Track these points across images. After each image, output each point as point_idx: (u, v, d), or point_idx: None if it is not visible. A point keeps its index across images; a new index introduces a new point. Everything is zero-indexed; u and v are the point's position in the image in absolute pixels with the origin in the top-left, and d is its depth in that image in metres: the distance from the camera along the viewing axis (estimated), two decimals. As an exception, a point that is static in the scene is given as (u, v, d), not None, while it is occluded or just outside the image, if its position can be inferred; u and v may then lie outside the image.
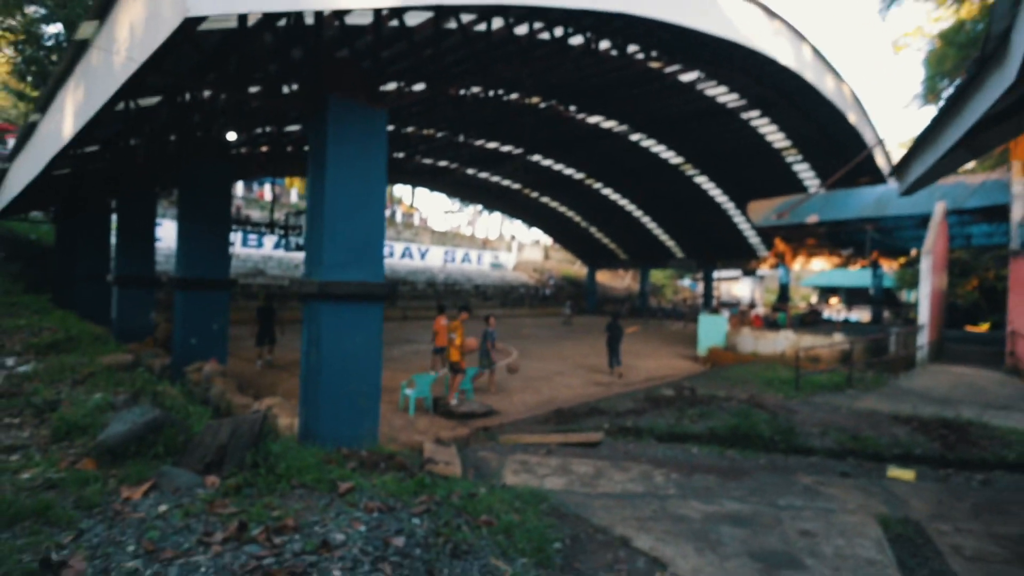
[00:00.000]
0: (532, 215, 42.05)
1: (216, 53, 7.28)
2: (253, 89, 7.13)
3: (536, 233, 55.75)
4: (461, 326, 9.30)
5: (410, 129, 22.73)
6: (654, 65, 16.71)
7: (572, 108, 20.98)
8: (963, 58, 23.53)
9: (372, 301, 6.52)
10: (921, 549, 3.76)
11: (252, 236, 31.37)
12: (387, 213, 47.04)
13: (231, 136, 11.61)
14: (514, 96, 18.50)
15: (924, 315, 11.61)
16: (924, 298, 11.65)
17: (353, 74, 6.50)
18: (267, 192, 37.66)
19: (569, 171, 31.00)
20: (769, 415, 8.08)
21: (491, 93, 17.13)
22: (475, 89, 16.99)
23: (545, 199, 37.51)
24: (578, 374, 13.02)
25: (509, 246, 53.91)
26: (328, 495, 3.26)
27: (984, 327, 26.34)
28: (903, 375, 10.69)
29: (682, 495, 4.84)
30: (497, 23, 9.92)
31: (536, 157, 28.86)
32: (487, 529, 3.28)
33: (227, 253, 11.76)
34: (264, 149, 20.35)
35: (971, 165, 26.66)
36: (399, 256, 40.10)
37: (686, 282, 53.06)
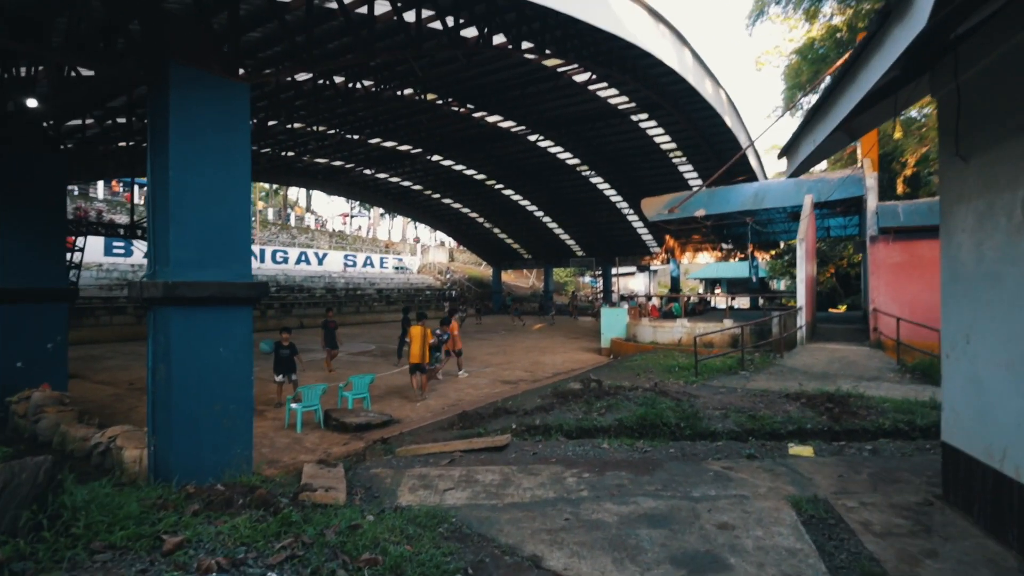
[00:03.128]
0: (435, 217, 41.16)
1: None
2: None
3: (441, 235, 54.84)
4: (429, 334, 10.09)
5: (298, 125, 21.08)
6: (548, 63, 16.76)
7: (470, 107, 20.52)
8: (815, 71, 26.32)
9: (236, 305, 5.54)
10: (834, 530, 3.68)
11: (119, 243, 27.56)
12: (281, 217, 43.81)
13: (76, 122, 9.74)
14: (408, 92, 17.71)
15: (801, 298, 12.56)
16: (801, 283, 12.58)
17: (203, 39, 5.49)
18: (137, 194, 33.37)
19: (470, 172, 30.57)
20: (673, 402, 8.09)
21: (384, 87, 16.19)
22: (367, 83, 15.97)
23: (448, 200, 36.82)
24: (484, 374, 12.55)
25: (413, 249, 52.48)
26: (147, 557, 2.44)
27: (842, 308, 29.59)
28: (786, 354, 11.41)
29: (596, 497, 4.48)
30: (382, 7, 9.19)
31: (436, 157, 28.10)
32: (370, 571, 2.64)
33: (63, 259, 9.89)
34: (123, 144, 17.78)
35: (823, 166, 30.07)
36: (294, 262, 37.36)
37: (587, 279, 54.83)
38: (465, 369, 12.48)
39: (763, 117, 53.01)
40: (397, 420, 8.21)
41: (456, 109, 20.26)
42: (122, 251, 28.69)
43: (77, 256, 14.36)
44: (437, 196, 36.07)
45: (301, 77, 14.82)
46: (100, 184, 33.11)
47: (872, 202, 12.32)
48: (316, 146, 24.95)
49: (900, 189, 23.31)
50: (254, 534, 2.82)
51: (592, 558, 3.31)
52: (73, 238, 15.18)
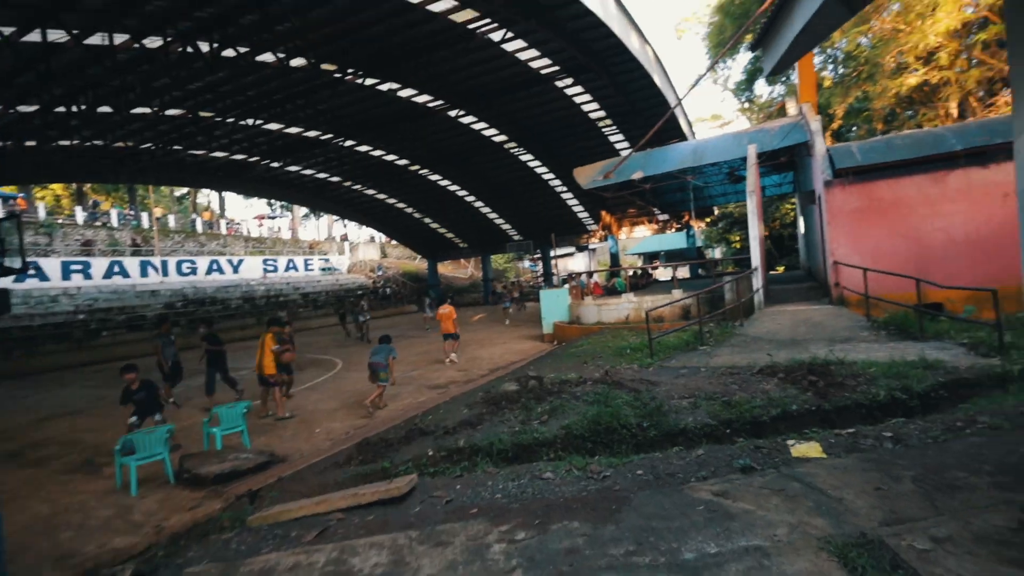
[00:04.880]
0: (361, 211, 38.35)
1: None
2: None
3: (371, 231, 51.78)
4: (272, 340, 8.46)
5: (174, 112, 18.10)
6: (458, 17, 14.83)
7: (374, 79, 18.23)
8: (738, 26, 25.75)
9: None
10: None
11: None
12: (183, 222, 39.45)
13: None
14: (299, 62, 15.27)
15: (756, 258, 11.42)
16: (754, 240, 11.46)
17: None
18: (-6, 210, 28.58)
19: (391, 157, 28.15)
20: (630, 394, 6.56)
21: (256, 53, 13.67)
22: (241, 49, 13.47)
23: (371, 191, 34.15)
24: (411, 378, 10.65)
25: (341, 248, 49.21)
26: None
27: (780, 270, 29.62)
28: (746, 322, 10.24)
29: (535, 579, 2.79)
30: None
31: (349, 143, 25.48)
32: None
33: None
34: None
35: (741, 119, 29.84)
36: (204, 272, 33.59)
37: (526, 264, 53.59)
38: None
39: (688, 88, 53.13)
40: (280, 459, 6.22)
41: (359, 82, 17.94)
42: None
43: None
44: (359, 187, 33.36)
45: (151, 43, 12.20)
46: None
47: (820, 145, 11.31)
48: (205, 138, 21.86)
49: (828, 143, 23.13)
50: None
51: None
52: None
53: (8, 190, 32.03)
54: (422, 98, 20.95)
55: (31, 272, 25.30)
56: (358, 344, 17.84)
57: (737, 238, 35.33)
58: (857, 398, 6.02)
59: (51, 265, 26.22)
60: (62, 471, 6.53)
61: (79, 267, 27.33)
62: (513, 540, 3.28)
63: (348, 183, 32.46)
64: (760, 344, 8.65)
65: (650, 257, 43.83)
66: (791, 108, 18.28)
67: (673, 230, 36.07)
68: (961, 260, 9.68)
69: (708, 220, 35.21)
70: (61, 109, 14.28)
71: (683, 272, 29.23)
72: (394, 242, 48.58)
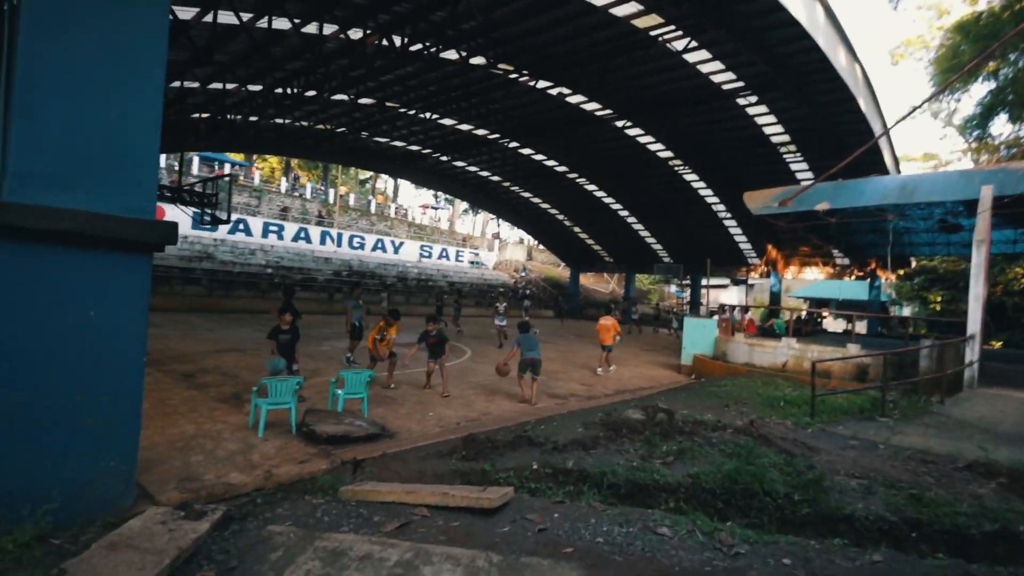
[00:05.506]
0: (514, 212, 39.45)
1: None
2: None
3: (521, 233, 53.24)
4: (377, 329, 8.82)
5: (367, 100, 20.06)
6: (640, 23, 14.21)
7: (546, 83, 18.33)
8: (982, 49, 21.39)
9: (120, 251, 3.78)
10: None
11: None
12: (360, 203, 44.22)
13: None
14: (479, 61, 15.89)
15: (975, 322, 9.04)
16: (975, 300, 9.09)
17: None
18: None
19: (551, 162, 28.42)
20: (781, 456, 5.43)
21: (441, 48, 14.37)
22: (428, 43, 14.33)
23: (527, 194, 34.90)
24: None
25: (491, 245, 51.28)
26: None
27: (996, 344, 24.05)
28: (948, 401, 8.14)
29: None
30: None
31: (514, 144, 26.22)
32: None
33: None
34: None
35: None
36: (371, 248, 37.15)
37: (672, 288, 50.82)
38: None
39: (900, 117, 46.13)
40: (390, 434, 6.22)
41: (532, 84, 18.17)
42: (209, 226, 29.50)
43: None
44: (516, 189, 34.26)
45: (354, 34, 13.48)
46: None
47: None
48: (389, 127, 23.99)
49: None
50: None
51: None
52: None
53: (236, 158, 38.63)
54: (591, 105, 20.67)
55: (240, 228, 30.18)
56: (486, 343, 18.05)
57: (938, 298, 29.56)
58: None
59: (256, 224, 30.94)
60: (215, 398, 7.28)
61: (275, 228, 31.90)
62: (609, 605, 2.65)
63: (507, 183, 33.50)
64: (968, 431, 6.75)
65: (818, 304, 38.75)
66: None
67: (852, 277, 31.37)
68: None
69: (902, 272, 29.92)
70: (279, 91, 16.52)
71: (861, 327, 25.16)
72: (540, 246, 49.27)
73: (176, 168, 29.23)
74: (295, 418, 6.08)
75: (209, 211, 15.56)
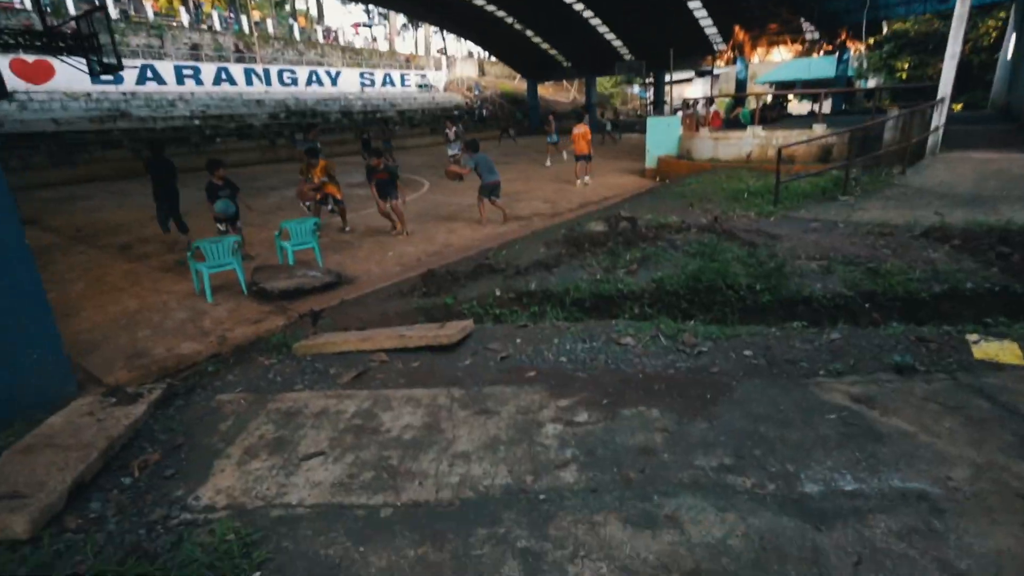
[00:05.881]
0: (459, 22, 34.90)
1: None
2: None
3: (470, 46, 47.98)
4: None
5: None
6: None
7: None
8: None
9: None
10: None
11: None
12: (281, 30, 38.45)
13: None
14: None
15: (947, 83, 8.51)
16: (950, 60, 8.40)
17: None
18: None
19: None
20: (743, 248, 5.39)
21: None
22: None
23: (469, -3, 30.43)
24: (493, 209, 9.94)
25: (438, 63, 46.50)
26: None
27: (956, 107, 23.90)
28: (910, 170, 8.06)
29: (589, 490, 2.16)
30: None
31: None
32: None
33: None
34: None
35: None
36: (304, 83, 33.36)
37: (635, 89, 48.13)
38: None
39: None
40: (348, 280, 5.97)
41: None
42: (111, 79, 25.64)
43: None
44: (456, -11, 29.75)
45: None
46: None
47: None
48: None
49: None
50: None
51: None
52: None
53: (119, -12, 32.13)
54: None
55: (149, 76, 26.36)
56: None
57: (905, 65, 28.49)
58: (1069, 283, 4.46)
59: (166, 68, 26.96)
60: (158, 268, 6.82)
61: (190, 72, 27.95)
62: (572, 422, 2.63)
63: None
64: (927, 199, 6.76)
65: (785, 87, 37.29)
66: None
67: (821, 53, 29.60)
68: None
69: (872, 41, 28.25)
70: None
71: (827, 107, 24.47)
72: (492, 59, 44.81)
73: (48, 8, 24.26)
74: (243, 278, 5.74)
75: (95, 58, 13.10)
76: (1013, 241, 5.04)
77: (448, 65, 45.50)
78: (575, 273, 5.10)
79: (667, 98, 32.44)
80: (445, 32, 43.67)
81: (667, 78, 33.12)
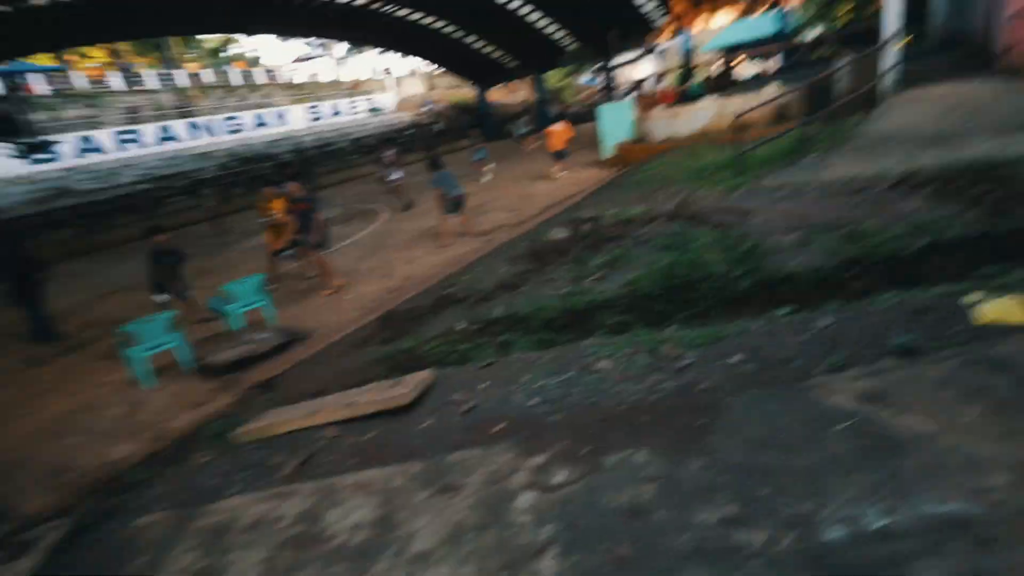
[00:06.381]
0: (400, 41, 34.49)
1: None
2: None
3: (416, 62, 47.49)
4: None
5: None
6: None
7: None
8: None
9: None
10: None
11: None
12: (220, 77, 37.66)
13: None
14: None
15: (893, 20, 8.30)
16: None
17: None
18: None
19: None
20: (715, 231, 5.07)
21: None
22: None
23: (405, 11, 29.99)
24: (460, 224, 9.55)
25: (385, 85, 46.07)
26: None
27: (906, 41, 23.96)
28: (871, 115, 7.82)
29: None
30: None
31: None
32: None
33: None
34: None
35: None
36: (252, 128, 32.77)
37: (586, 79, 48.07)
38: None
39: None
40: (302, 336, 5.53)
41: None
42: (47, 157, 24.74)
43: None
44: (392, 8, 29.32)
45: None
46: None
47: None
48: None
49: None
50: None
51: None
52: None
53: (47, 62, 31.22)
54: None
55: (88, 147, 25.56)
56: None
57: (844, 9, 28.64)
58: (1057, 212, 4.19)
59: (105, 136, 26.23)
60: (97, 357, 6.31)
61: (131, 136, 27.23)
62: (549, 486, 2.24)
63: (378, 5, 28.53)
64: (893, 145, 6.50)
65: (732, 52, 37.42)
66: None
67: (761, 12, 29.72)
68: None
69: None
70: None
71: (774, 64, 24.47)
72: (440, 70, 44.39)
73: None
74: (186, 355, 5.27)
75: (20, 140, 12.54)
76: (990, 177, 4.77)
77: (396, 85, 45.11)
78: (542, 290, 4.73)
79: (614, 84, 32.35)
80: (389, 53, 43.22)
81: (615, 62, 33.07)
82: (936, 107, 7.25)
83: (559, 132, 12.64)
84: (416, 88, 46.51)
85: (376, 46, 40.00)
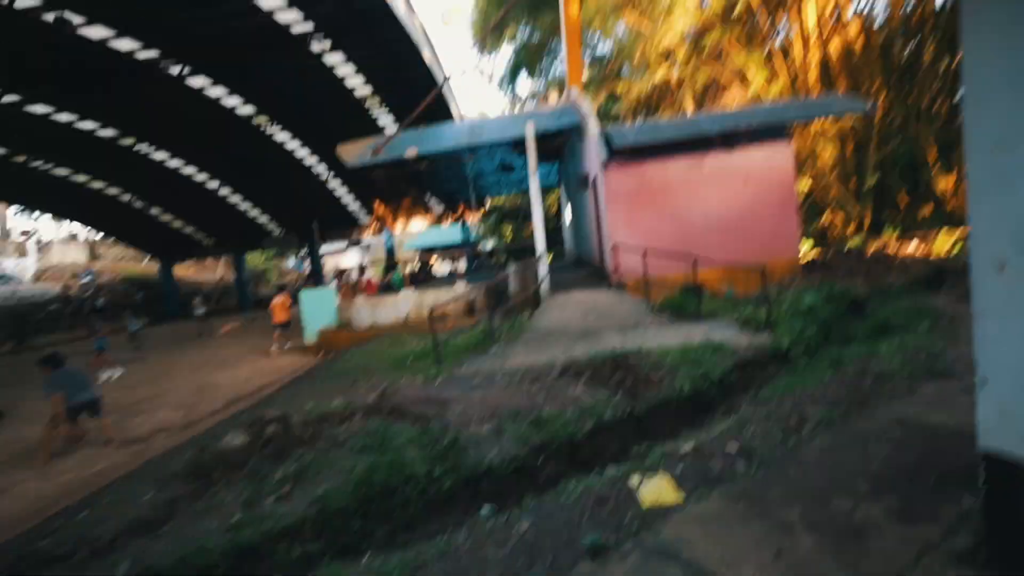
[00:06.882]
0: (53, 200, 28.62)
1: None
2: None
3: (75, 226, 39.71)
4: None
5: None
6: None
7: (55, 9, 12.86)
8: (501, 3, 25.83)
9: None
10: None
11: None
12: None
13: None
14: None
15: (541, 243, 10.74)
16: (539, 222, 10.75)
17: None
18: None
19: (90, 125, 21.17)
20: (416, 425, 4.87)
21: None
22: None
23: (64, 171, 25.47)
24: (106, 425, 7.14)
25: (23, 249, 36.73)
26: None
27: (548, 258, 31.36)
28: (535, 313, 9.44)
29: None
30: None
31: (10, 98, 18.20)
32: None
33: None
34: None
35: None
36: None
37: (291, 263, 47.88)
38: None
39: (457, 70, 53.06)
40: None
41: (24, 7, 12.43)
42: None
43: None
44: (50, 166, 24.59)
45: None
46: None
47: (594, 126, 11.18)
48: None
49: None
50: None
51: None
52: None
53: None
54: (126, 44, 15.80)
55: None
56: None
57: (509, 229, 36.60)
58: (666, 395, 5.38)
59: None
60: None
61: None
62: None
63: (32, 160, 23.64)
64: (555, 338, 7.81)
65: (428, 252, 42.96)
66: (554, 100, 18.76)
67: (449, 223, 35.59)
68: (714, 241, 10.42)
69: (482, 212, 35.65)
70: None
71: (462, 266, 28.85)
72: (109, 239, 38.00)
73: None
74: None
75: None
76: (622, 365, 5.98)
77: (39, 251, 36.47)
78: (201, 523, 3.56)
79: (324, 268, 33.01)
80: (36, 213, 35.22)
81: (320, 250, 33.99)
82: (579, 309, 9.23)
83: (280, 303, 13.23)
84: (73, 254, 38.51)
85: (24, 207, 32.39)
